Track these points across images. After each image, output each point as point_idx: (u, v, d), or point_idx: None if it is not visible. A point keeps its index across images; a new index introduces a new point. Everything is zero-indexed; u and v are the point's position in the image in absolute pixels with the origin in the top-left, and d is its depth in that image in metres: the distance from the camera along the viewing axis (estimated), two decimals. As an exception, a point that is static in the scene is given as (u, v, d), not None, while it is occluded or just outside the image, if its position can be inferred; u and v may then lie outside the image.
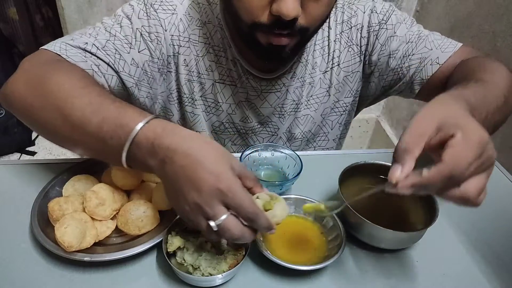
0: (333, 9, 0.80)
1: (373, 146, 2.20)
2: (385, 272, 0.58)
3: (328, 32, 0.81)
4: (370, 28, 0.80)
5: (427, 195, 0.62)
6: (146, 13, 0.72)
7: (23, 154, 1.96)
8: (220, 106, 0.83)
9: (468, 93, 0.53)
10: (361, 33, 0.81)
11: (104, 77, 0.67)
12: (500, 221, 0.68)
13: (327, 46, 0.82)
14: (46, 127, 0.57)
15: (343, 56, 0.82)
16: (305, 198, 0.63)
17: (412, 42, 0.78)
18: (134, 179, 0.62)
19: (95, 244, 0.56)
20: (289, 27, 0.62)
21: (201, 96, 0.82)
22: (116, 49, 0.69)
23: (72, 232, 0.52)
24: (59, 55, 0.63)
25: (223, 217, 0.45)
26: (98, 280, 0.54)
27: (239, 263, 0.53)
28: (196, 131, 0.79)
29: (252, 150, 0.72)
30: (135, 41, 0.71)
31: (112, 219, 0.59)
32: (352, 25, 0.81)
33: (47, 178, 0.64)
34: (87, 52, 0.66)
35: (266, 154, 0.73)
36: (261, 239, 0.58)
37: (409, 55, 0.78)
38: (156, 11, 0.72)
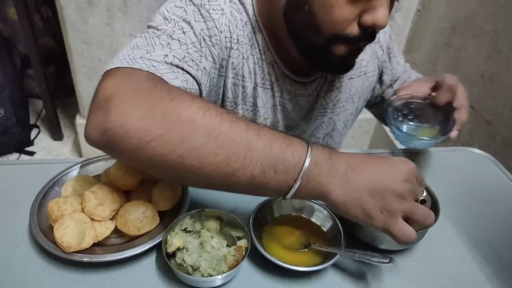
0: None
1: (373, 146, 2.20)
2: (385, 272, 0.57)
3: None
4: (389, 50, 0.88)
5: (429, 196, 0.62)
6: (201, 14, 0.64)
7: (22, 154, 1.95)
8: (258, 110, 0.79)
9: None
10: (383, 51, 0.86)
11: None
12: (501, 221, 0.68)
13: None
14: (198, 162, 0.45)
15: (370, 67, 0.85)
16: (306, 198, 0.63)
17: (405, 72, 0.93)
18: (133, 179, 0.62)
19: (94, 244, 0.55)
20: (373, 37, 0.62)
21: (241, 100, 0.78)
22: (192, 59, 0.60)
23: (71, 233, 0.52)
24: (151, 73, 0.52)
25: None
26: (97, 281, 0.54)
27: (239, 264, 0.52)
28: None
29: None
30: (201, 47, 0.63)
31: (111, 219, 0.59)
32: (376, 41, 0.84)
33: (46, 179, 0.64)
34: (173, 66, 0.56)
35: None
36: (261, 239, 0.57)
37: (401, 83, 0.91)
38: (208, 12, 0.65)
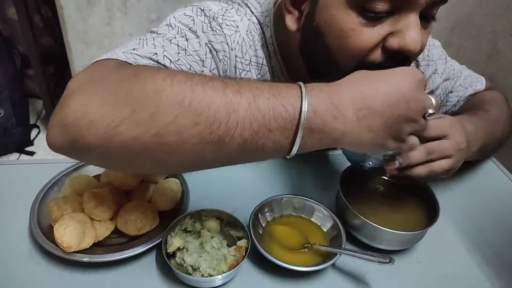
0: None
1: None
2: (385, 272, 0.57)
3: None
4: (417, 62, 0.79)
5: (428, 196, 0.62)
6: (211, 27, 0.60)
7: (22, 154, 1.95)
8: None
9: (468, 121, 0.64)
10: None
11: None
12: (501, 221, 0.68)
13: None
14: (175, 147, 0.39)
15: None
16: (305, 198, 0.63)
17: (450, 79, 0.81)
18: (133, 179, 0.62)
19: (94, 244, 0.55)
20: (404, 63, 0.53)
21: None
22: (190, 65, 0.56)
23: (71, 233, 0.52)
24: (128, 63, 0.48)
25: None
26: (97, 281, 0.54)
27: (239, 264, 0.52)
28: None
29: None
30: (206, 58, 0.59)
31: (111, 219, 0.59)
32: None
33: (46, 178, 0.64)
34: (160, 65, 0.52)
35: None
36: (261, 239, 0.57)
37: (448, 93, 0.81)
38: (220, 26, 0.61)
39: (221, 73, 0.61)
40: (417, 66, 0.79)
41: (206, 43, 0.59)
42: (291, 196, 0.63)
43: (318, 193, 0.70)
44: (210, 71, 0.59)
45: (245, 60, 0.65)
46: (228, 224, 0.59)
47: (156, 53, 0.52)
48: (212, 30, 0.60)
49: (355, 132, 0.42)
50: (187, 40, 0.57)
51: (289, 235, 0.60)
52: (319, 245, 0.58)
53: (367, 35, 0.51)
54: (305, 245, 0.58)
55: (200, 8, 0.62)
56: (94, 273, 0.54)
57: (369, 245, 0.59)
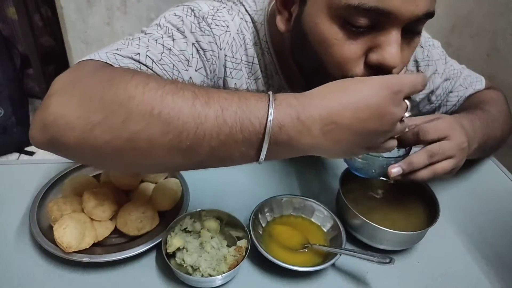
0: None
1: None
2: (385, 272, 0.57)
3: None
4: (417, 63, 0.79)
5: (429, 196, 0.62)
6: (199, 27, 0.61)
7: (22, 154, 1.95)
8: None
9: (466, 120, 0.65)
10: (406, 67, 0.80)
11: None
12: (501, 221, 0.68)
13: None
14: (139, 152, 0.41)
15: None
16: (305, 198, 0.63)
17: (450, 79, 0.81)
18: (133, 179, 0.62)
19: (94, 244, 0.55)
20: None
21: None
22: (174, 65, 0.57)
23: (71, 233, 0.52)
24: (109, 64, 0.50)
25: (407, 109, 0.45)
26: (97, 281, 0.54)
27: (238, 264, 0.52)
28: None
29: None
30: (192, 57, 0.60)
31: (111, 219, 0.59)
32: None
33: (46, 178, 0.64)
34: (142, 64, 0.53)
35: None
36: (261, 239, 0.57)
37: (448, 93, 0.82)
38: (209, 26, 0.62)
39: (209, 72, 0.62)
40: (417, 66, 0.79)
41: (193, 43, 0.60)
42: (291, 196, 0.63)
43: (318, 193, 0.70)
44: (195, 71, 0.60)
45: (236, 59, 0.65)
46: (228, 224, 0.59)
47: (138, 53, 0.53)
48: (201, 30, 0.61)
49: (323, 145, 0.43)
50: (173, 40, 0.58)
51: (289, 235, 0.60)
52: (319, 245, 0.58)
53: (349, 48, 0.51)
54: (305, 245, 0.58)
55: (190, 8, 0.62)
56: (94, 273, 0.54)
57: (369, 245, 0.59)
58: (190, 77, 0.59)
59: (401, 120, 0.46)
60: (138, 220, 0.57)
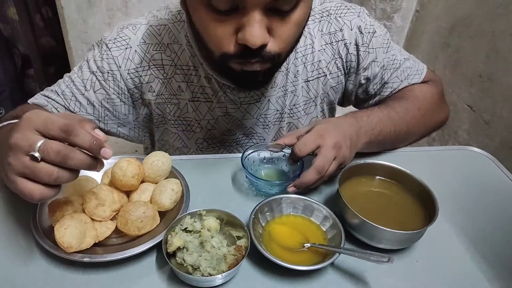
0: (318, 18, 0.80)
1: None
2: (384, 271, 0.58)
3: (312, 40, 0.80)
4: (357, 47, 0.81)
5: (427, 195, 0.63)
6: (101, 54, 0.75)
7: (22, 154, 1.95)
8: (199, 123, 0.82)
9: (365, 113, 0.75)
10: (348, 50, 0.81)
11: None
12: (500, 220, 0.68)
13: (310, 54, 0.81)
14: None
15: (331, 67, 0.83)
16: (305, 198, 0.63)
17: (388, 69, 0.84)
18: (133, 179, 0.62)
19: (95, 244, 0.56)
20: (258, 55, 0.58)
21: (178, 117, 0.82)
22: (72, 93, 0.76)
23: (71, 233, 0.52)
24: (29, 103, 0.77)
25: (40, 142, 0.44)
26: (98, 281, 0.54)
27: (238, 263, 0.53)
28: (183, 149, 0.86)
29: (252, 151, 0.72)
30: (91, 82, 0.75)
31: (111, 219, 0.59)
32: (339, 39, 0.81)
33: (46, 179, 0.64)
34: (49, 98, 0.76)
35: (266, 154, 0.73)
36: (261, 239, 0.58)
37: (384, 83, 0.85)
38: (110, 50, 0.75)
39: (108, 90, 0.76)
40: (357, 50, 0.81)
41: (94, 71, 0.75)
42: (291, 196, 0.64)
43: (318, 193, 0.70)
44: (94, 92, 0.76)
45: (143, 67, 0.76)
46: (228, 223, 0.59)
47: (52, 90, 0.77)
48: (101, 57, 0.75)
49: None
50: (82, 71, 0.76)
51: (289, 235, 0.60)
52: (318, 245, 0.58)
53: (219, 29, 0.57)
54: (305, 245, 0.58)
55: (100, 39, 0.77)
56: (95, 273, 0.55)
57: (368, 244, 0.60)
58: (88, 99, 0.76)
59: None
60: (139, 220, 0.57)
